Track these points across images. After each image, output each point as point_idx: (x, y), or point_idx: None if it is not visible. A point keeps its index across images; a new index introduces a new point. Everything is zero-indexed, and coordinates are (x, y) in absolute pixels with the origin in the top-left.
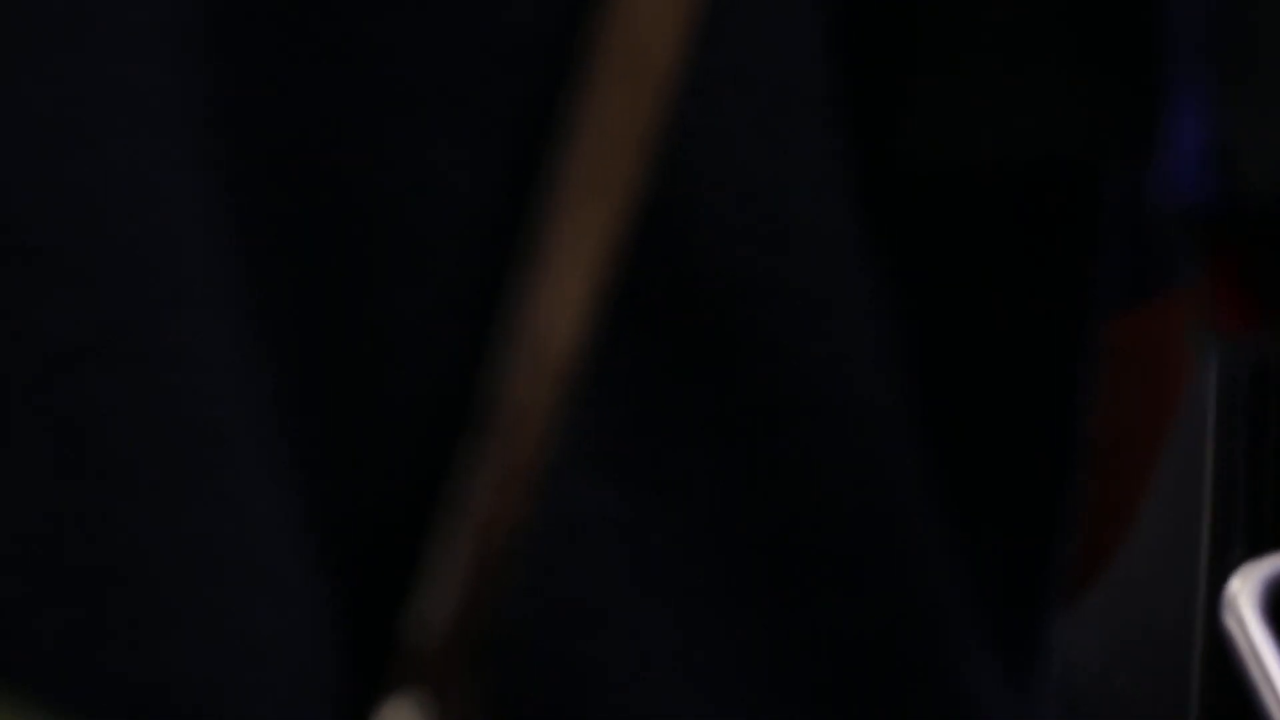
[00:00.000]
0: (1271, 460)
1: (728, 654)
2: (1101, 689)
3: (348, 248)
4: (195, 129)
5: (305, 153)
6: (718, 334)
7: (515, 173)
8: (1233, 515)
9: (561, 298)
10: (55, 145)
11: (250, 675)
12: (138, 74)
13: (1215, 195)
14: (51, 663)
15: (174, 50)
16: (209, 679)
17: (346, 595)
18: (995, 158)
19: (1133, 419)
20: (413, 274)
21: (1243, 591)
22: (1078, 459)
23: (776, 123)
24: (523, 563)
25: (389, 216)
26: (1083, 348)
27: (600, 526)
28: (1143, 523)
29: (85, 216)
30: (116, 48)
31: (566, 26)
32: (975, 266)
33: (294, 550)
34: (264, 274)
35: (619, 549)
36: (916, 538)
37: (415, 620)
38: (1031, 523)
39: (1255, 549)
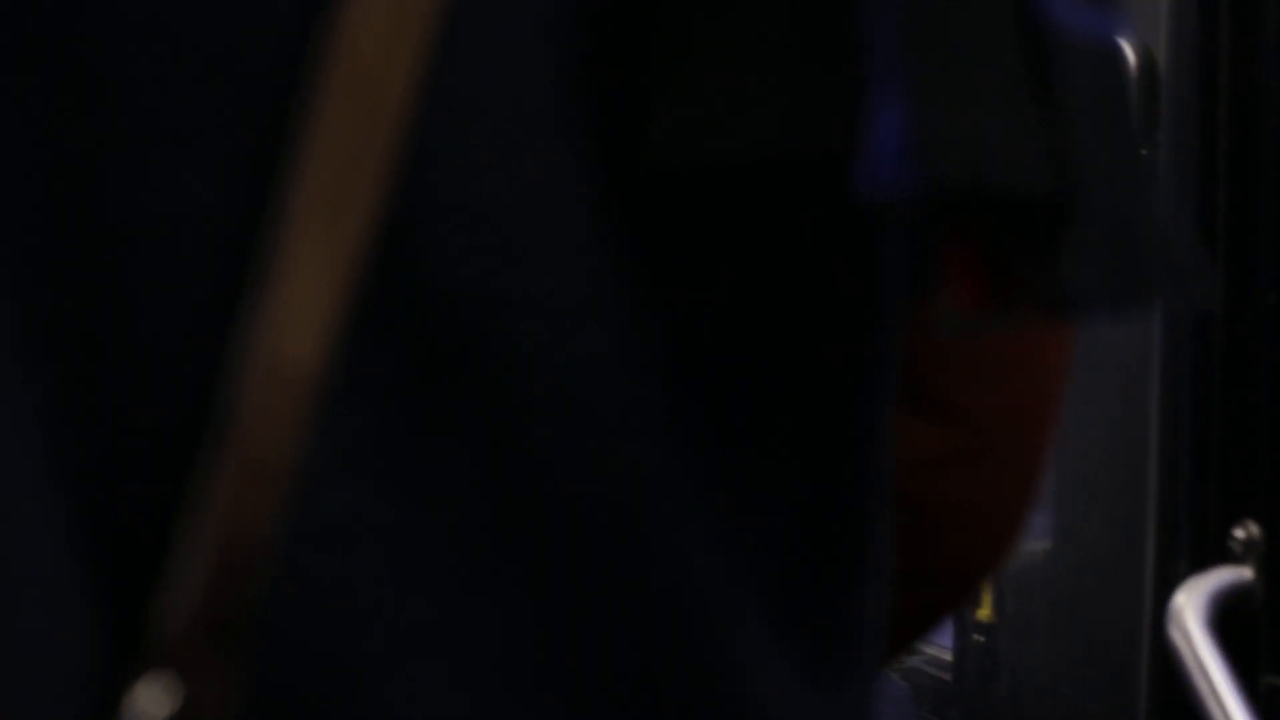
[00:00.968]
0: (1215, 475)
1: (485, 646)
2: (1048, 701)
3: (99, 266)
4: None
5: (55, 183)
6: (459, 345)
7: (253, 195)
8: (1177, 528)
9: (297, 311)
10: None
11: (6, 665)
12: None
13: (914, 186)
14: None
15: None
16: None
17: (104, 589)
18: (728, 156)
19: (1005, 407)
20: (160, 291)
21: (1188, 605)
22: (871, 451)
23: (508, 143)
24: (272, 557)
25: (137, 238)
26: (854, 338)
27: (357, 526)
28: (1088, 536)
29: None
30: None
31: (298, 59)
32: (737, 264)
33: (53, 548)
34: (20, 291)
35: (373, 545)
36: (672, 535)
37: (163, 608)
38: (819, 519)
39: (1199, 563)
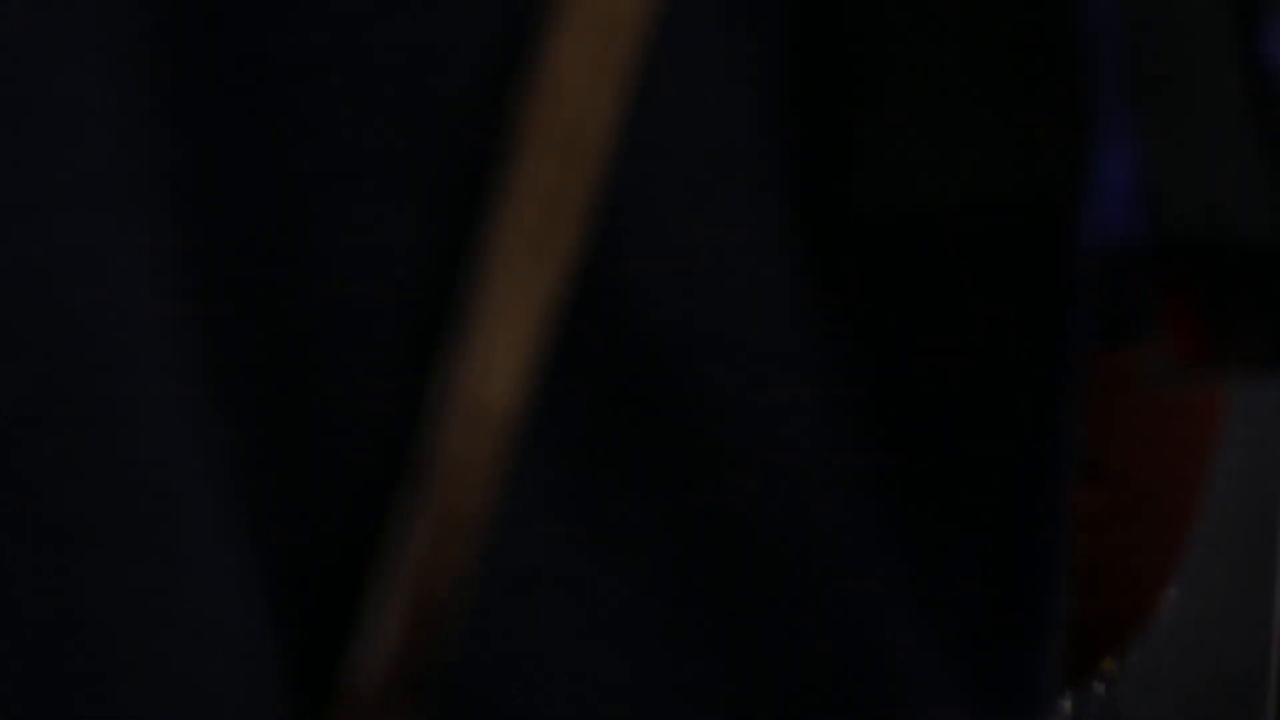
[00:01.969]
0: None
1: (674, 697)
2: None
3: (292, 311)
4: (143, 203)
5: (251, 221)
6: (653, 391)
7: (452, 239)
8: None
9: (498, 357)
10: (2, 223)
11: (194, 714)
12: (82, 151)
13: (1144, 234)
14: (11, 712)
15: (122, 124)
16: None
17: (293, 643)
18: (941, 202)
19: (1160, 467)
20: (354, 336)
21: None
22: (1059, 502)
23: (707, 187)
24: (463, 609)
25: (331, 282)
26: (1053, 391)
27: (543, 574)
28: (1213, 585)
29: (33, 289)
30: (61, 126)
31: (499, 99)
32: (937, 311)
33: (241, 601)
34: (212, 339)
35: (562, 596)
36: (863, 586)
37: (356, 664)
38: (1009, 568)
39: None
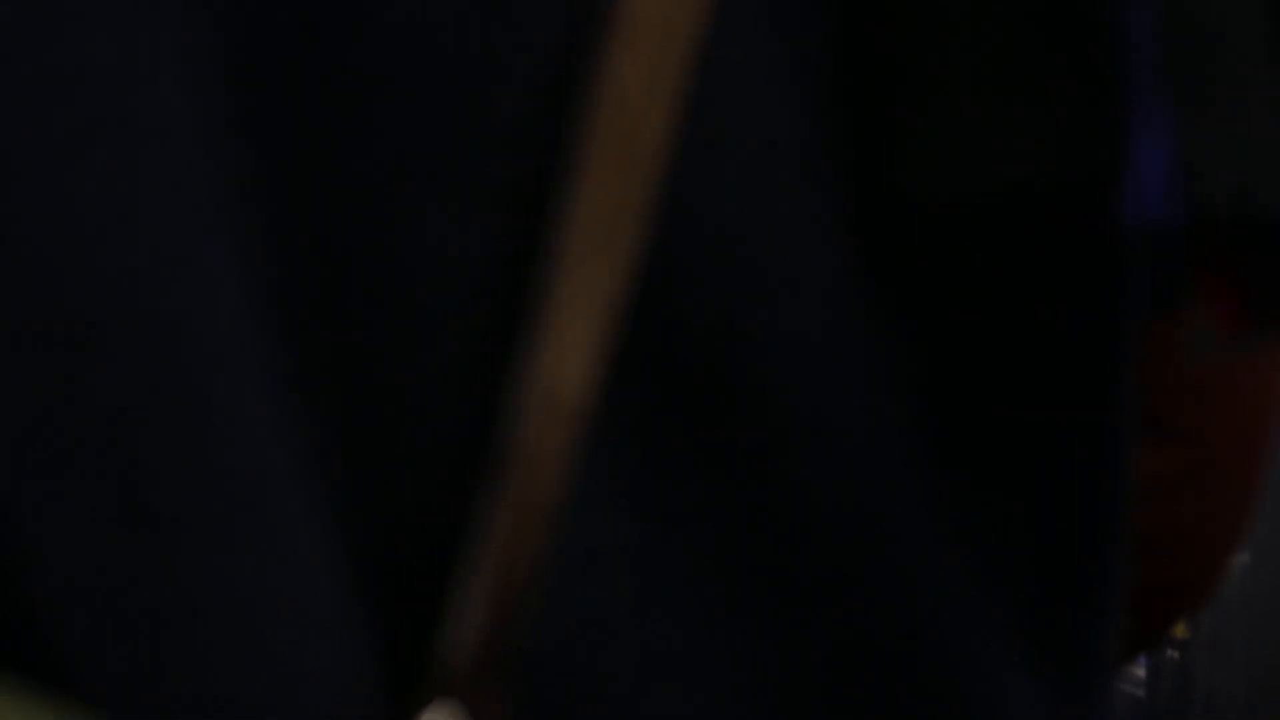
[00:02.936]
0: None
1: (735, 669)
2: None
3: (371, 313)
4: (225, 209)
5: (329, 226)
6: (712, 378)
7: (521, 240)
8: None
9: (569, 350)
10: (96, 228)
11: (298, 698)
12: (171, 156)
13: (1180, 212)
14: (116, 701)
15: (205, 134)
16: (262, 704)
17: (383, 626)
18: (986, 187)
19: (1230, 427)
20: (433, 335)
21: None
22: (1118, 478)
23: (759, 184)
24: (542, 588)
25: (409, 284)
26: (1109, 371)
27: (612, 554)
28: None
29: (129, 294)
30: (150, 134)
31: (561, 106)
32: (984, 289)
33: (334, 586)
34: (295, 340)
35: (630, 574)
36: (924, 558)
37: (447, 642)
38: (1072, 535)
39: None
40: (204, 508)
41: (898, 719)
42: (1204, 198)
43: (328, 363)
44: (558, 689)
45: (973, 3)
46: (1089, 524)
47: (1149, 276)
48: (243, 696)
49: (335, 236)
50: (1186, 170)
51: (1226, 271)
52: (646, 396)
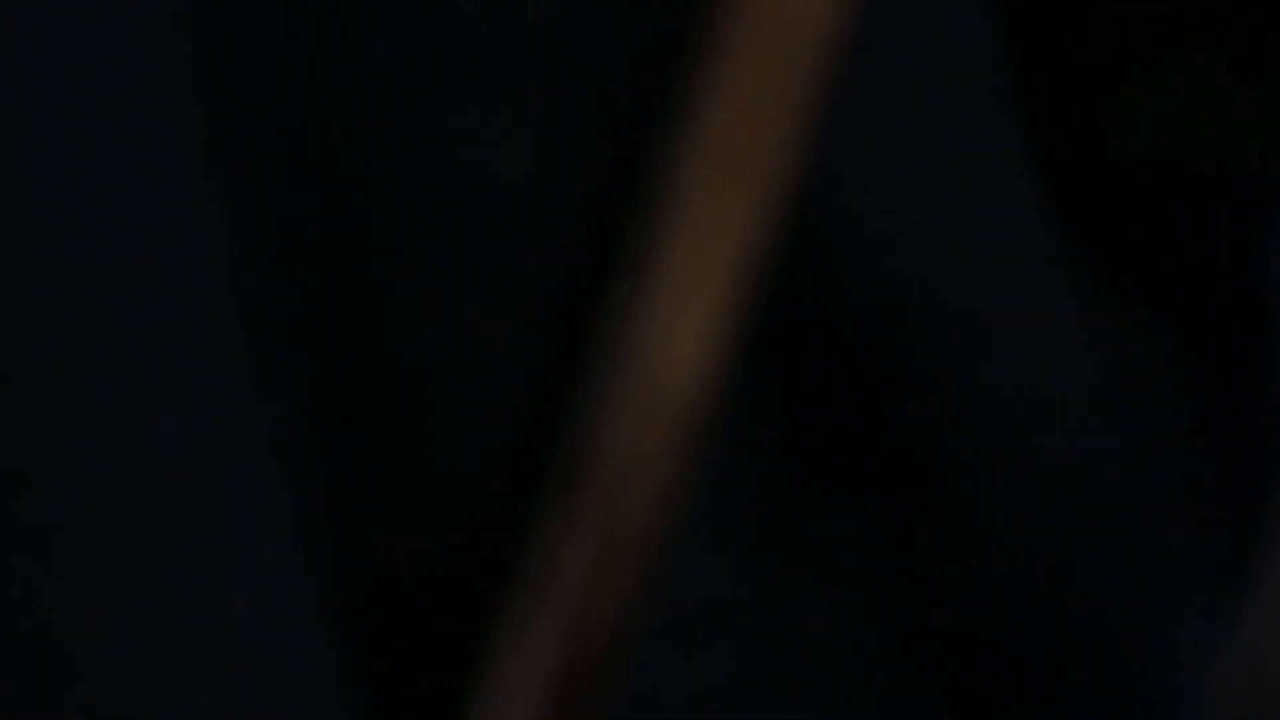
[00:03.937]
0: None
1: None
2: None
3: (378, 262)
4: (194, 158)
5: (315, 143)
6: (879, 370)
7: (618, 167)
8: None
9: (680, 327)
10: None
11: None
12: (137, 127)
13: None
14: None
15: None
16: None
17: (377, 680)
18: (1201, 166)
19: None
20: (469, 292)
21: None
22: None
23: (942, 113)
24: (623, 655)
25: (432, 217)
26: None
27: (726, 606)
28: None
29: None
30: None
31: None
32: (1169, 266)
33: (294, 625)
34: (347, 318)
35: (749, 633)
36: (1142, 645)
37: (485, 713)
38: (1236, 501)
39: None
40: (115, 520)
41: None
42: None
43: (375, 342)
44: None
45: None
46: (1257, 476)
47: None
48: None
49: (330, 153)
50: None
51: None
52: (789, 394)
